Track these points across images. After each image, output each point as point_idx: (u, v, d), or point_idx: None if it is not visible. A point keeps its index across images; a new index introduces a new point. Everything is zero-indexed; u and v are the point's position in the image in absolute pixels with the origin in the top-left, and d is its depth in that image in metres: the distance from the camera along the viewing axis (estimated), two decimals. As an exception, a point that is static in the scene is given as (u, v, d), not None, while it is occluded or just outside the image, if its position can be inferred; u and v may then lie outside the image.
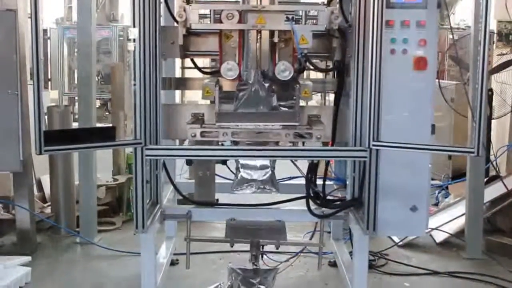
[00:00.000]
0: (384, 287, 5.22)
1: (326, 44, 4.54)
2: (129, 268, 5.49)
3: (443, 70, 10.43)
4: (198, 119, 4.47)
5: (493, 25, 7.91)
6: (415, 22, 4.04)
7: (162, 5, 4.43)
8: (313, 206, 4.50)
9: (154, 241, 4.33)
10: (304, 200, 4.51)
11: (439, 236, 6.34)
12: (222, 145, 4.35)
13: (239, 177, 4.65)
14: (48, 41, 14.77)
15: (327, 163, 4.94)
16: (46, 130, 4.60)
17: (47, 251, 6.00)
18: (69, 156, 6.46)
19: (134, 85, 4.00)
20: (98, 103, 13.21)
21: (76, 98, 6.76)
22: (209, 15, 4.22)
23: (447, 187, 8.22)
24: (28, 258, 5.48)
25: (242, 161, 4.59)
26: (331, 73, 4.98)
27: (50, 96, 12.42)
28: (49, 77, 14.75)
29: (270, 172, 4.61)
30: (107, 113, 13.02)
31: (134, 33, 3.96)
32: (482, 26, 3.61)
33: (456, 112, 7.74)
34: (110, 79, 8.64)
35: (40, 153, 3.65)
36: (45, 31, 14.54)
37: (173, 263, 5.47)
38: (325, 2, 4.77)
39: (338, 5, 4.42)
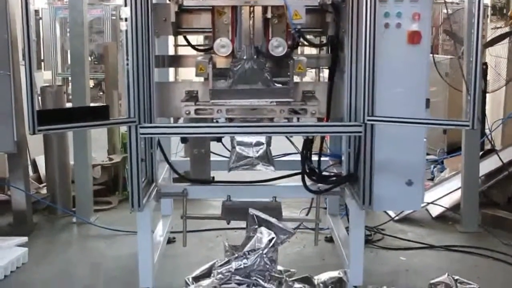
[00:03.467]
0: (381, 261, 5.23)
1: (319, 19, 4.55)
2: (126, 247, 5.49)
3: (437, 45, 10.42)
4: (192, 96, 4.46)
5: (487, -1, 7.91)
6: (408, -4, 4.02)
7: (154, -18, 4.41)
8: (309, 182, 4.51)
9: (150, 219, 4.35)
10: (300, 176, 4.51)
11: (435, 210, 6.36)
12: (217, 121, 4.33)
13: (235, 154, 4.66)
14: (40, 21, 14.65)
15: (322, 139, 4.94)
16: (40, 109, 4.58)
17: (43, 232, 6.00)
18: (64, 136, 6.44)
19: (127, 64, 3.98)
20: (92, 83, 13.14)
21: (70, 78, 6.70)
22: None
23: (442, 162, 8.22)
24: (24, 239, 5.48)
25: (237, 138, 4.59)
26: (325, 48, 4.95)
27: (44, 77, 12.34)
28: (42, 58, 14.65)
29: (265, 148, 4.60)
30: (101, 93, 12.97)
31: (126, 12, 3.92)
32: (476, 0, 3.59)
33: (451, 87, 7.72)
34: (104, 58, 8.59)
35: (34, 133, 3.64)
36: (37, 11, 14.42)
37: (170, 241, 5.48)
38: (318, -23, 4.72)
39: (331, -20, 4.37)
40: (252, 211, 4.20)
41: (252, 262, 3.99)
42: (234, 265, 4.04)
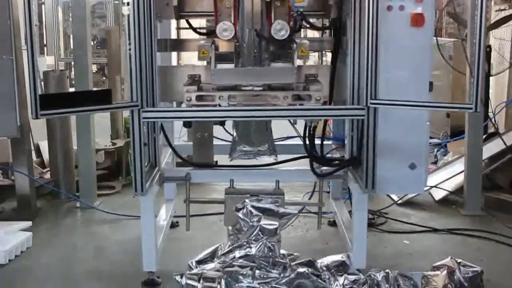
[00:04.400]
0: (384, 245, 5.24)
1: (322, 2, 4.53)
2: (129, 231, 5.50)
3: (441, 28, 10.36)
4: (194, 80, 4.45)
5: (491, -19, 7.85)
6: (412, -22, 3.99)
7: (156, -35, 4.38)
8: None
9: (154, 203, 4.36)
10: (302, 160, 4.51)
11: (438, 194, 6.36)
12: (220, 106, 4.33)
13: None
14: (43, 6, 14.60)
15: (325, 122, 4.93)
16: (42, 94, 4.58)
17: (47, 216, 6.02)
18: (67, 121, 6.45)
19: (130, 49, 3.97)
20: (94, 68, 13.08)
21: (72, 63, 6.69)
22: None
23: (445, 145, 8.22)
24: (28, 223, 5.49)
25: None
26: (327, 31, 4.93)
27: (47, 62, 12.31)
28: (45, 43, 14.62)
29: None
30: (104, 78, 12.94)
31: (128, -4, 3.92)
32: (480, -20, 3.58)
33: (455, 70, 7.69)
34: (106, 43, 8.56)
35: (37, 117, 3.65)
36: (39, -4, 14.39)
37: (173, 225, 5.49)
38: (321, -41, 4.69)
39: (334, -38, 4.35)
40: (248, 203, 4.15)
41: (256, 251, 3.99)
42: (237, 253, 4.05)
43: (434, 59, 4.49)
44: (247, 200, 4.14)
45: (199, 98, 4.22)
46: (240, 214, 4.06)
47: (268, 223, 4.02)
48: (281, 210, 4.17)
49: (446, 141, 8.39)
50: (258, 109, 4.18)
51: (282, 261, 4.02)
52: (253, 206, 4.08)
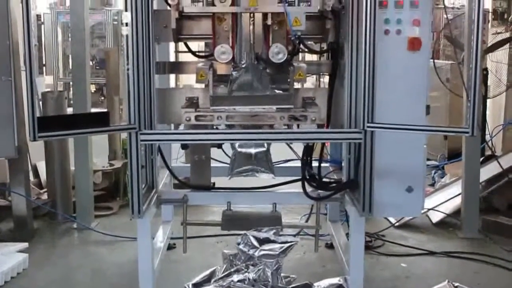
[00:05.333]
0: (381, 267, 5.24)
1: (319, 26, 4.57)
2: (126, 253, 5.51)
3: (438, 50, 10.43)
4: (192, 103, 4.47)
5: (488, 4, 7.88)
6: (408, 2, 4.02)
7: (155, -12, 4.42)
8: (309, 189, 4.53)
9: (151, 225, 4.36)
10: (300, 183, 4.52)
11: (436, 216, 6.37)
12: (217, 128, 4.34)
13: (235, 160, 4.69)
14: (42, 26, 14.66)
15: (323, 145, 4.95)
16: (40, 116, 4.59)
17: (44, 237, 6.01)
18: (65, 142, 6.46)
19: (128, 70, 3.99)
20: (93, 88, 13.16)
21: (71, 83, 6.73)
22: (201, -2, 4.23)
23: (443, 167, 8.24)
24: (25, 245, 5.49)
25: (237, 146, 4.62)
26: (325, 54, 4.96)
27: (45, 82, 12.38)
28: (44, 62, 14.68)
29: (265, 152, 4.63)
30: (102, 98, 12.99)
31: (127, 17, 3.94)
32: (476, 5, 3.62)
33: (452, 92, 7.73)
34: (105, 63, 8.60)
35: (34, 139, 3.67)
36: (38, 16, 14.44)
37: (170, 247, 5.49)
38: (318, -17, 4.74)
39: (331, -14, 4.39)
40: (249, 233, 4.16)
41: (254, 275, 3.99)
42: (235, 277, 4.05)
43: (432, 80, 4.52)
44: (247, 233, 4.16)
45: (198, 118, 4.24)
46: (240, 246, 4.09)
47: (268, 249, 4.02)
48: (281, 239, 4.17)
49: (444, 163, 8.40)
50: (256, 132, 4.20)
51: (280, 285, 4.02)
52: (253, 236, 4.11)
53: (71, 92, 6.39)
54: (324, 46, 4.83)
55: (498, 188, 6.51)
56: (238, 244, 4.15)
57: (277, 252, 4.06)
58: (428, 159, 5.14)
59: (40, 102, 6.40)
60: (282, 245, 4.12)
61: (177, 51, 5.34)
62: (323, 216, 5.56)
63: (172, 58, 5.64)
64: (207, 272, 4.38)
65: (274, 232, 4.21)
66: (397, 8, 4.03)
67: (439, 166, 8.35)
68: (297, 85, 4.41)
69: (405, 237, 5.98)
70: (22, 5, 3.50)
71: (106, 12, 13.68)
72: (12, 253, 5.23)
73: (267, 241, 4.13)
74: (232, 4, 4.16)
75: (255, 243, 4.11)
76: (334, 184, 4.72)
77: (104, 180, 7.12)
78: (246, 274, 4.02)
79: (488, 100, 7.40)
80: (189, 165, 5.01)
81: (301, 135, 4.29)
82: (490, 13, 8.08)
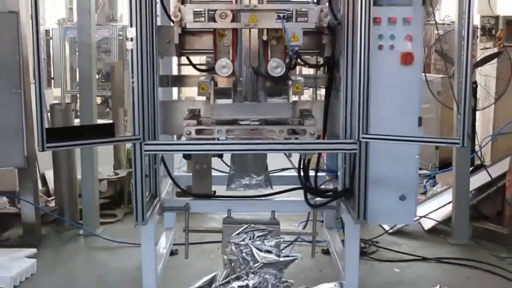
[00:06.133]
0: (375, 273, 5.35)
1: (316, 41, 4.70)
2: (130, 259, 5.60)
3: (430, 64, 10.60)
4: (194, 114, 4.61)
5: (476, 20, 8.01)
6: (401, 19, 4.20)
7: (158, 5, 4.60)
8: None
9: (154, 232, 4.49)
10: (296, 191, 4.66)
11: (427, 224, 6.48)
12: (218, 139, 4.47)
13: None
14: (51, 41, 14.94)
15: (319, 155, 5.08)
16: (48, 127, 4.74)
17: (51, 243, 6.12)
18: (72, 152, 6.56)
19: (133, 82, 4.13)
20: (99, 100, 13.37)
21: (78, 95, 6.88)
22: (203, 12, 4.32)
23: (434, 176, 8.36)
24: (33, 250, 5.61)
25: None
26: (321, 68, 5.09)
27: (53, 94, 12.55)
28: (52, 75, 14.90)
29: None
30: (108, 109, 13.17)
31: (131, 32, 4.09)
32: (466, 22, 3.76)
33: (443, 105, 7.86)
34: (110, 77, 8.77)
35: (43, 150, 3.81)
36: (47, 31, 14.72)
37: (172, 253, 5.61)
38: (315, 1, 4.88)
39: (327, 3, 4.55)
40: (252, 244, 4.19)
41: (254, 282, 4.07)
42: (235, 285, 4.14)
43: (424, 93, 4.66)
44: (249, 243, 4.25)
45: (198, 131, 4.39)
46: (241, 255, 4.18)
47: (268, 258, 4.12)
48: (282, 257, 4.23)
49: (435, 173, 8.52)
50: (255, 143, 4.34)
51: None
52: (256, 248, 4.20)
53: (78, 104, 6.50)
54: (321, 60, 4.97)
55: (487, 196, 6.61)
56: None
57: (279, 267, 4.14)
58: (420, 169, 5.26)
59: (48, 114, 6.53)
60: (284, 258, 4.20)
61: (180, 65, 5.48)
62: (320, 223, 5.69)
63: (175, 72, 5.77)
64: (208, 277, 4.44)
65: (276, 243, 4.29)
66: (390, 25, 4.20)
67: (431, 175, 8.46)
68: (294, 98, 4.52)
69: (398, 243, 6.08)
70: (32, 21, 3.65)
71: (112, 28, 13.96)
72: (21, 259, 5.34)
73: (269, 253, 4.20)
74: (233, 20, 4.29)
75: (257, 255, 4.15)
76: (330, 193, 4.84)
77: (109, 188, 7.24)
78: (246, 281, 4.11)
79: (477, 112, 7.50)
80: (191, 174, 5.14)
81: (299, 146, 4.40)
82: (478, 29, 8.21)
